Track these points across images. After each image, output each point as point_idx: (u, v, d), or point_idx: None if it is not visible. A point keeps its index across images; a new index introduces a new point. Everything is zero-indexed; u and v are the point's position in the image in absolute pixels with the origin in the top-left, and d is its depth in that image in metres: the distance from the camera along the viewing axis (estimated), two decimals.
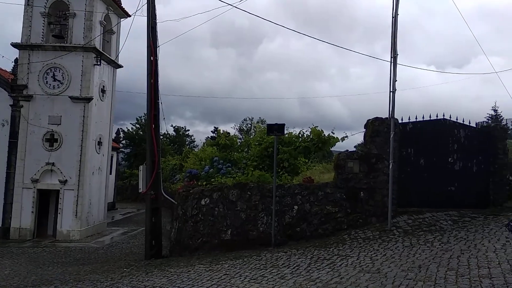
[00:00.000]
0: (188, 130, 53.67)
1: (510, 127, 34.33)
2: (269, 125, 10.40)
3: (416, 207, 9.72)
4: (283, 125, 10.15)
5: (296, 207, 9.81)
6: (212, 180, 11.59)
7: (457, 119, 10.02)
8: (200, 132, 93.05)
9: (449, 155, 9.97)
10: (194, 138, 53.42)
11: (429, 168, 9.88)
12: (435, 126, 9.92)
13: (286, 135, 13.26)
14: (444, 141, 9.95)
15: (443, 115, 9.94)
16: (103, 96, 19.45)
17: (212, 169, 12.78)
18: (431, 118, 9.87)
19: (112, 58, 20.08)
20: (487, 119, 36.73)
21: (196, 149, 35.38)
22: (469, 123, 10.15)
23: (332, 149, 14.08)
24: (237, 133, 43.64)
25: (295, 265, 7.21)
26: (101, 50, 18.76)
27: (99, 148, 19.37)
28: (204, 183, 11.51)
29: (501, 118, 36.56)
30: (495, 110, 37.89)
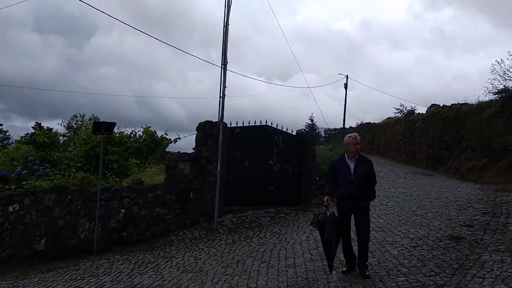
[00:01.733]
0: (1, 125, 45.69)
1: (323, 134, 40.28)
2: (96, 123, 9.70)
3: (241, 205, 10.41)
4: (112, 123, 9.57)
5: (123, 210, 9.36)
6: (25, 183, 10.12)
7: (277, 126, 11.14)
8: (18, 127, 79.01)
9: (270, 158, 11.02)
10: (9, 135, 45.69)
11: (253, 170, 10.73)
12: (259, 131, 10.84)
13: (117, 135, 12.60)
14: (266, 145, 10.95)
15: (266, 122, 10.95)
16: None
17: (25, 171, 11.16)
18: (256, 124, 10.77)
19: None
20: (305, 127, 42.24)
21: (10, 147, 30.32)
22: (287, 129, 11.41)
23: (172, 150, 13.99)
24: (64, 131, 39.22)
25: (117, 272, 6.85)
26: None
27: None
28: (13, 187, 9.94)
29: (316, 127, 42.51)
30: (312, 120, 43.87)
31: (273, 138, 11.10)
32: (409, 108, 30.47)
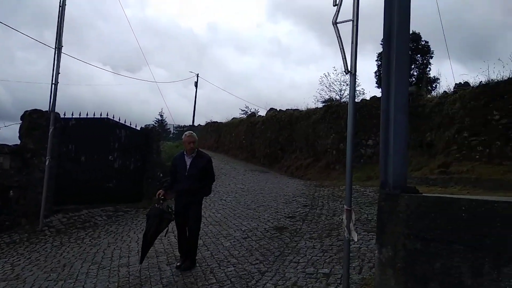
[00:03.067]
0: None
1: (172, 131, 39.99)
2: None
3: (74, 204, 9.56)
4: None
5: None
6: None
7: (119, 120, 10.61)
8: None
9: (110, 153, 10.43)
10: None
11: (90, 166, 9.97)
12: (98, 124, 10.14)
13: None
14: (106, 139, 10.31)
15: (107, 115, 10.31)
16: None
17: None
18: (95, 117, 10.03)
19: None
20: (155, 122, 41.33)
21: None
22: (130, 124, 10.98)
23: None
24: None
25: None
26: None
27: None
28: None
29: (165, 123, 41.98)
30: (161, 116, 43.18)
31: (115, 132, 10.54)
32: (253, 110, 32.76)
